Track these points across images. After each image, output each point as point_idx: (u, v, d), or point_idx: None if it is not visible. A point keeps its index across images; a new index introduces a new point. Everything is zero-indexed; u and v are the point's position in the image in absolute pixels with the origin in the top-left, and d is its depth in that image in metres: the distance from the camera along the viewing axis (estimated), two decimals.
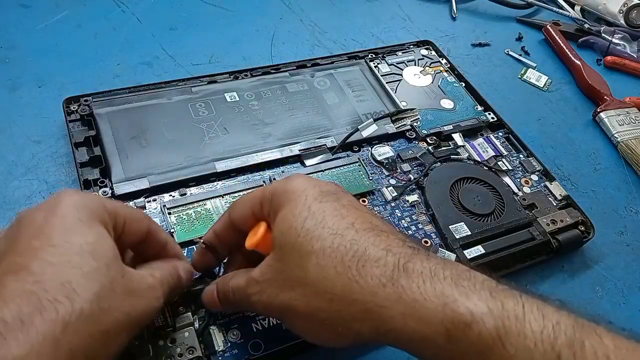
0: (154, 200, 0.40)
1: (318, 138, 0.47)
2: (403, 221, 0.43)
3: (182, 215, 0.39)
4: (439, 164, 0.47)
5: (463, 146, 0.50)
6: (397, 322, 0.24)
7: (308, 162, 0.45)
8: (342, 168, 0.45)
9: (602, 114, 0.58)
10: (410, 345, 0.25)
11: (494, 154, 0.49)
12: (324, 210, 0.27)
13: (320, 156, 0.46)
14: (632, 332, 0.22)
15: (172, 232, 0.38)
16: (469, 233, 0.42)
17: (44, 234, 0.24)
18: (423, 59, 0.58)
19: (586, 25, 0.70)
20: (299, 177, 0.30)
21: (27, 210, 0.26)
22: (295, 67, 0.54)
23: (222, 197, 0.41)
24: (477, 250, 0.41)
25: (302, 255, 0.26)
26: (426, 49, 0.60)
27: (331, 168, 0.45)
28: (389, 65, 0.56)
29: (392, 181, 0.45)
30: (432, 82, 0.55)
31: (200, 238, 0.38)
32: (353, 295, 0.25)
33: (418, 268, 0.25)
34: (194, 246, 0.38)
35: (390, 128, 0.49)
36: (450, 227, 0.42)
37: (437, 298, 0.24)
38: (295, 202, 0.28)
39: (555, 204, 0.46)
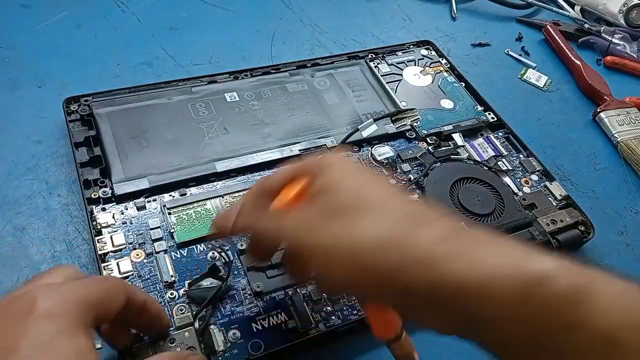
0: (154, 200, 0.40)
1: (318, 138, 0.47)
2: None
3: (182, 215, 0.39)
4: (439, 164, 0.47)
5: (463, 146, 0.50)
6: (456, 276, 0.22)
7: None
8: None
9: (602, 114, 0.58)
10: (468, 304, 0.22)
11: (494, 154, 0.49)
12: (371, 176, 0.29)
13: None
14: None
15: (172, 232, 0.38)
16: None
17: (15, 357, 0.21)
18: (423, 59, 0.58)
19: (586, 25, 0.70)
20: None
21: None
22: (295, 67, 0.54)
23: (222, 197, 0.41)
24: None
25: (353, 207, 0.25)
26: (426, 49, 0.60)
27: None
28: (389, 65, 0.56)
29: (392, 181, 0.45)
30: (432, 82, 0.55)
31: (203, 238, 0.38)
32: (406, 244, 0.23)
33: (479, 232, 0.24)
34: (193, 246, 0.38)
35: (390, 128, 0.49)
36: None
37: (504, 257, 0.22)
38: (340, 168, 0.28)
39: (555, 204, 0.46)
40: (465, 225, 0.26)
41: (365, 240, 0.24)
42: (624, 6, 0.68)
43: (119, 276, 0.35)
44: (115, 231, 0.38)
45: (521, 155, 0.50)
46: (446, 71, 0.57)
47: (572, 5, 0.74)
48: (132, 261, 0.36)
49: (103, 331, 0.28)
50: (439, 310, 0.23)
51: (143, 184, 0.41)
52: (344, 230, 0.25)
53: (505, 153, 0.50)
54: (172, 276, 0.36)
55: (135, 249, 0.37)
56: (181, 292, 0.35)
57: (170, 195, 0.41)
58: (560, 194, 0.47)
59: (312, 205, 0.27)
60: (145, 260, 0.37)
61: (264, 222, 0.29)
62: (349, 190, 0.26)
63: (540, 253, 0.23)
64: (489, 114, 0.53)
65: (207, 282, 0.35)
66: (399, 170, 0.46)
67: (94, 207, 0.39)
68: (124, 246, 0.37)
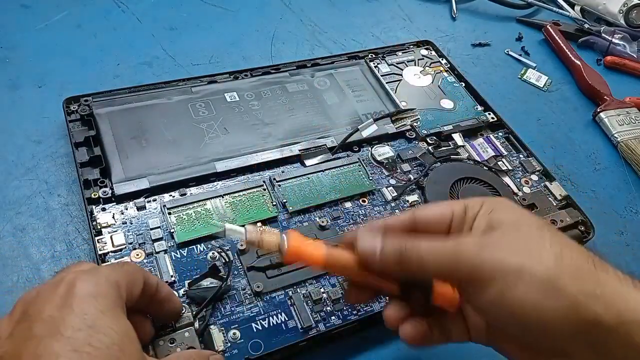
0: (154, 200, 0.40)
1: (318, 138, 0.47)
2: None
3: (182, 215, 0.39)
4: (439, 164, 0.47)
5: (463, 146, 0.49)
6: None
7: (308, 162, 0.45)
8: (342, 168, 0.45)
9: (602, 114, 0.58)
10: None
11: (494, 154, 0.49)
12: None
13: (320, 156, 0.46)
14: None
15: (172, 232, 0.38)
16: None
17: (64, 336, 0.22)
18: (423, 59, 0.58)
19: (586, 25, 0.70)
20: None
21: (33, 298, 0.24)
22: (295, 67, 0.54)
23: (222, 197, 0.41)
24: None
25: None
26: (426, 49, 0.59)
27: (331, 168, 0.45)
28: (389, 65, 0.56)
29: (392, 181, 0.45)
30: (432, 82, 0.55)
31: (203, 238, 0.38)
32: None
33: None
34: (193, 246, 0.38)
35: (390, 128, 0.49)
36: None
37: None
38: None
39: (555, 204, 0.46)
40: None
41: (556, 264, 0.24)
42: (624, 6, 0.68)
43: None
44: (115, 231, 0.38)
45: (521, 156, 0.50)
46: (446, 71, 0.57)
47: (572, 5, 0.74)
48: (132, 261, 0.36)
49: None
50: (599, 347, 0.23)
51: (143, 184, 0.41)
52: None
53: (505, 153, 0.50)
54: (172, 276, 0.36)
55: (135, 249, 0.37)
56: (181, 292, 0.35)
57: (170, 195, 0.41)
58: (560, 194, 0.47)
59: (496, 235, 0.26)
60: (145, 260, 0.37)
61: (433, 247, 0.26)
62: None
63: None
64: (489, 114, 0.53)
65: (207, 282, 0.35)
66: (399, 170, 0.46)
67: (94, 207, 0.39)
68: (124, 246, 0.37)
